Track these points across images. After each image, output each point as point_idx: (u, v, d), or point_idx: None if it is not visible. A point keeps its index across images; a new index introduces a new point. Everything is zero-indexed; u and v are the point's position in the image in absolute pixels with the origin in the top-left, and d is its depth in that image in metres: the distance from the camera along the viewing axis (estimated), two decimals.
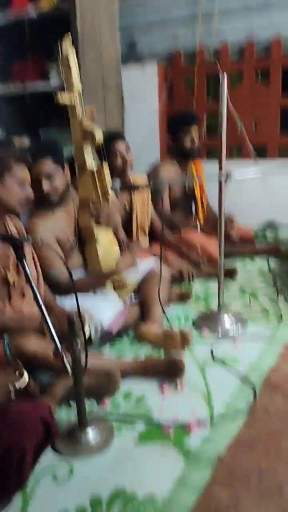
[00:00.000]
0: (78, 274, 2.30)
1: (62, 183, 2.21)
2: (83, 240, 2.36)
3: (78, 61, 3.08)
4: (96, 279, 2.31)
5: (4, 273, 1.82)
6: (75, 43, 3.11)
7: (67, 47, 2.14)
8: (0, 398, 1.32)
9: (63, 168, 2.22)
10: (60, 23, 3.19)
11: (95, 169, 2.24)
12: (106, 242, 2.39)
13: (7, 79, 3.68)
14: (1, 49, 3.63)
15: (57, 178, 2.18)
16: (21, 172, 1.78)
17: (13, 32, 3.40)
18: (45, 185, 2.15)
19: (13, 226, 1.93)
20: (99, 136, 2.19)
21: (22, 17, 3.28)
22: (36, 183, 2.09)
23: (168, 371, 1.88)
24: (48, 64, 3.51)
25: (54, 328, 1.46)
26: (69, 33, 2.20)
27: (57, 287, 2.16)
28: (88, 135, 2.19)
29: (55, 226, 2.22)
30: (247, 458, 1.47)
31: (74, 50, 2.18)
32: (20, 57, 3.54)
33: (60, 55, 2.15)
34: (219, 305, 2.35)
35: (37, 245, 1.48)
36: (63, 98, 2.14)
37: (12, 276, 1.86)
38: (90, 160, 2.27)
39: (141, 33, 4.09)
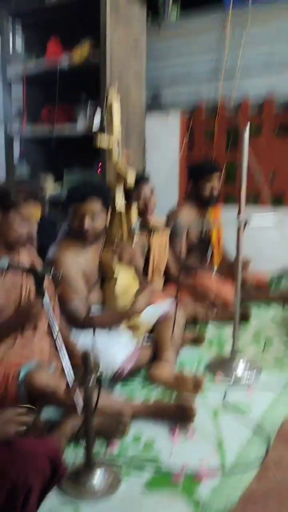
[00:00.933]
0: (95, 310, 2.31)
1: (102, 225, 2.29)
2: (103, 277, 2.40)
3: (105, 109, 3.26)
4: (113, 317, 2.30)
5: (17, 304, 1.84)
6: (102, 91, 3.29)
7: (112, 95, 2.31)
8: (7, 436, 1.31)
9: (107, 211, 2.31)
10: (90, 73, 3.37)
11: (123, 210, 2.35)
12: (125, 281, 2.42)
13: (37, 122, 3.85)
14: (33, 94, 3.83)
15: (99, 219, 2.26)
16: (29, 209, 1.83)
17: (46, 79, 3.59)
18: (87, 223, 2.23)
19: (26, 255, 1.97)
20: (130, 179, 2.32)
21: (54, 67, 3.46)
22: (78, 219, 2.21)
23: (178, 416, 1.84)
24: (76, 110, 3.68)
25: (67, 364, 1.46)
26: (116, 85, 2.42)
27: (73, 322, 2.18)
28: (121, 178, 2.30)
29: (83, 261, 2.29)
30: None
31: (119, 100, 2.32)
32: (50, 102, 3.72)
33: (105, 102, 2.33)
34: (232, 351, 2.32)
35: (58, 278, 1.50)
36: (102, 141, 2.25)
37: None
38: (120, 201, 2.39)
39: (165, 85, 4.28)
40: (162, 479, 1.55)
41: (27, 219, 1.83)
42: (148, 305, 2.38)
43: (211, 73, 4.05)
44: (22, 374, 1.67)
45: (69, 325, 2.19)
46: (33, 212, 1.86)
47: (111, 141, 2.33)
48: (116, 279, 2.37)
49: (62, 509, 1.41)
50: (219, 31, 3.95)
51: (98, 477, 1.51)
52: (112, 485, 1.50)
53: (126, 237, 2.41)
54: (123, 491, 1.49)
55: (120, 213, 2.40)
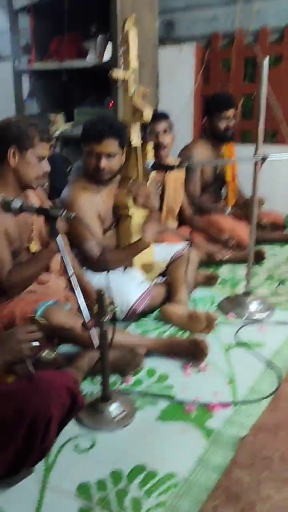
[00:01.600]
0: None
1: (118, 165, 2.24)
2: (118, 217, 2.37)
3: (116, 39, 3.09)
4: (125, 253, 2.30)
5: (27, 244, 1.85)
6: (114, 22, 3.10)
7: (130, 25, 2.18)
8: (21, 354, 1.34)
9: (122, 152, 2.24)
10: (100, 2, 3.16)
11: (139, 146, 2.27)
12: (140, 220, 2.38)
13: (46, 56, 3.68)
14: (41, 26, 3.63)
15: (115, 160, 2.20)
16: (43, 150, 1.80)
17: (52, 9, 3.39)
18: (103, 163, 2.18)
19: (36, 197, 1.96)
20: (147, 114, 2.22)
21: None
22: (95, 158, 2.16)
23: (191, 351, 1.87)
24: (86, 42, 3.49)
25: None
26: (133, 15, 2.25)
27: (88, 262, 2.19)
28: (137, 112, 2.22)
29: (98, 202, 2.25)
30: (270, 442, 1.46)
31: (136, 30, 2.19)
32: (59, 34, 3.53)
33: (122, 31, 2.20)
34: (246, 289, 2.33)
35: (71, 218, 1.49)
36: (118, 73, 2.17)
37: (35, 247, 1.89)
38: (136, 137, 2.30)
39: (179, 14, 4.02)
40: (176, 410, 1.61)
41: (41, 159, 1.80)
42: (156, 235, 2.33)
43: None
44: (39, 313, 1.71)
45: (84, 265, 2.21)
46: (47, 151, 1.82)
47: (128, 73, 2.22)
48: (131, 217, 2.33)
49: (80, 438, 1.48)
50: None
51: (114, 408, 1.57)
52: (128, 416, 1.57)
53: (141, 175, 2.34)
54: (138, 421, 1.56)
55: (136, 149, 2.31)
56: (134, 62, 2.23)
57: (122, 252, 2.31)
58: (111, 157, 2.18)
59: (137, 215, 2.36)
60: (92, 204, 2.21)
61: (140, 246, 2.27)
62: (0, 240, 1.74)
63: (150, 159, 2.33)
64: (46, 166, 1.83)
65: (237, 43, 3.74)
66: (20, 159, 1.75)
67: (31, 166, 1.77)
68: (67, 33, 3.36)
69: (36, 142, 1.76)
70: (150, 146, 2.36)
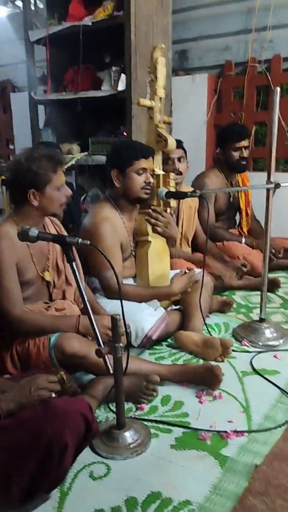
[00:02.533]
0: (128, 282, 2.35)
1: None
2: (137, 243, 2.40)
3: (130, 68, 3.18)
4: (148, 293, 2.28)
5: (42, 273, 1.89)
6: (127, 52, 3.20)
7: (158, 54, 2.24)
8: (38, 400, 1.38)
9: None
10: (114, 33, 3.27)
11: (161, 174, 2.31)
12: (158, 248, 2.40)
13: (60, 87, 3.80)
14: (57, 57, 3.76)
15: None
16: (59, 179, 1.83)
17: (67, 41, 3.51)
18: (151, 178, 2.25)
19: (52, 226, 2.00)
20: (171, 143, 2.27)
21: (78, 27, 3.36)
22: (143, 174, 2.22)
23: (205, 378, 1.86)
24: (100, 72, 3.60)
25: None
26: (163, 45, 2.33)
27: (108, 291, 2.22)
28: (161, 141, 2.27)
29: (120, 230, 2.28)
30: (285, 470, 1.44)
31: (164, 59, 2.26)
32: (73, 65, 3.66)
33: (151, 61, 2.26)
34: (260, 317, 2.33)
35: (92, 246, 1.52)
36: (144, 101, 2.24)
37: (50, 276, 1.92)
38: (159, 164, 2.35)
39: (192, 44, 4.14)
40: (191, 437, 1.60)
41: (61, 187, 1.85)
42: (186, 288, 2.32)
43: (240, 26, 3.88)
44: (53, 339, 1.73)
45: (103, 293, 2.23)
46: (63, 177, 1.87)
47: (154, 101, 2.28)
48: (150, 242, 2.35)
49: (95, 466, 1.48)
50: None
51: (128, 435, 1.57)
52: (142, 443, 1.56)
53: (162, 203, 2.37)
54: (153, 449, 1.55)
55: (159, 177, 2.34)
56: (161, 90, 2.29)
57: (145, 291, 2.29)
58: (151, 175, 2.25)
59: (155, 242, 2.38)
60: (115, 233, 2.23)
61: (166, 293, 2.29)
62: (10, 273, 1.76)
63: (172, 188, 2.36)
64: (67, 191, 1.87)
65: (250, 71, 3.82)
66: (41, 197, 1.80)
67: (53, 198, 1.82)
68: (82, 64, 3.47)
69: (51, 176, 1.80)
70: (172, 175, 2.39)
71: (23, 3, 3.80)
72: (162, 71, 2.27)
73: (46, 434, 1.21)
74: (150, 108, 2.31)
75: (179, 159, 2.75)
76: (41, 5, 4.61)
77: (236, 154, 3.08)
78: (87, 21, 3.36)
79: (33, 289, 1.89)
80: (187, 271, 2.34)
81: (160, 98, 2.31)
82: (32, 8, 4.03)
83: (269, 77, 3.73)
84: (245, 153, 3.10)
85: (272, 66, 3.75)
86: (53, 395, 1.41)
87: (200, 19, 4.04)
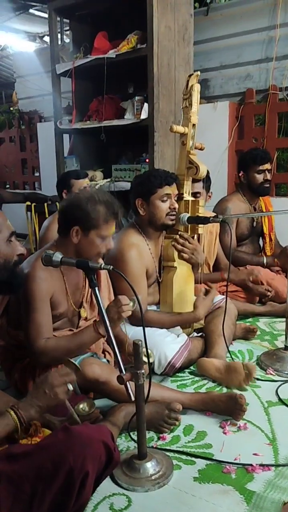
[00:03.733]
0: (152, 308, 2.34)
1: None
2: (162, 268, 2.39)
3: (152, 98, 3.24)
4: (172, 320, 2.25)
5: (78, 309, 1.89)
6: (150, 82, 3.27)
7: (194, 81, 2.27)
8: (58, 400, 1.33)
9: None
10: (137, 64, 3.36)
11: (190, 199, 2.32)
12: (184, 274, 2.39)
13: (85, 116, 3.90)
14: (82, 88, 3.87)
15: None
16: (107, 230, 1.81)
17: (92, 72, 3.62)
18: (176, 204, 2.26)
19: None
20: (203, 170, 2.28)
21: (102, 60, 3.46)
22: (168, 200, 2.23)
23: (228, 407, 1.80)
24: (123, 102, 3.69)
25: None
26: (198, 72, 2.39)
27: (130, 317, 2.20)
28: (193, 167, 2.28)
29: (146, 256, 2.28)
30: None
31: (199, 86, 2.31)
32: (98, 95, 3.75)
33: (185, 89, 2.29)
34: (286, 344, 2.27)
35: (117, 272, 1.52)
36: (178, 128, 2.27)
37: (85, 312, 1.92)
38: (188, 190, 2.36)
39: (213, 73, 4.21)
40: (215, 470, 1.54)
41: (106, 237, 1.81)
42: (209, 310, 2.29)
43: (261, 55, 3.94)
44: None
45: (128, 319, 2.22)
46: (112, 230, 1.84)
47: (189, 126, 2.30)
48: (176, 268, 2.34)
49: (116, 497, 1.44)
50: (270, 12, 3.83)
51: (150, 466, 1.52)
52: (165, 475, 1.51)
53: (190, 229, 2.37)
54: (175, 481, 1.50)
55: (188, 203, 2.34)
56: (195, 117, 2.31)
57: (170, 317, 2.26)
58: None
59: (181, 269, 2.37)
60: (141, 259, 2.22)
61: (190, 318, 2.27)
62: (43, 306, 1.76)
63: (202, 211, 2.36)
64: (109, 244, 1.83)
65: (271, 99, 3.85)
66: (83, 237, 1.79)
67: (93, 245, 1.80)
68: (106, 95, 3.57)
69: (101, 223, 1.77)
70: (202, 201, 2.39)
71: (51, 38, 3.95)
72: (196, 98, 2.30)
73: (67, 462, 1.18)
74: (183, 135, 2.33)
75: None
76: (67, 40, 4.80)
77: (259, 177, 3.08)
78: (111, 53, 3.46)
79: (63, 321, 1.89)
80: (207, 288, 2.31)
81: (194, 124, 2.33)
82: (59, 42, 4.18)
83: None
84: (268, 176, 3.10)
85: None
86: (71, 387, 1.35)
87: (221, 49, 4.12)
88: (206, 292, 2.31)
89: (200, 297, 2.29)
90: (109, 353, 2.01)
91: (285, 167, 3.96)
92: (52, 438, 1.24)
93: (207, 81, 4.27)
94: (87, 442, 1.21)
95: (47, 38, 6.90)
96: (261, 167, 3.07)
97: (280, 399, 1.95)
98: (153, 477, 1.50)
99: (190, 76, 2.30)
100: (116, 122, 3.58)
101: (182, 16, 3.52)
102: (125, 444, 1.69)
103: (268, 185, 3.13)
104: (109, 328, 1.50)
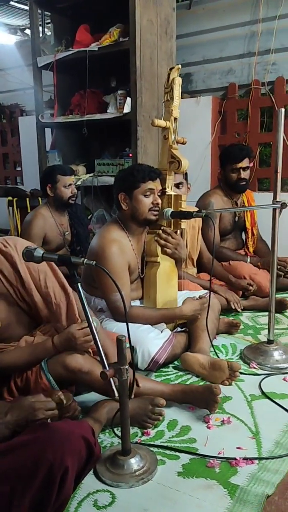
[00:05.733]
0: (135, 304, 2.32)
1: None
2: (146, 263, 2.38)
3: (135, 92, 3.22)
4: (158, 315, 2.25)
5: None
6: (133, 76, 3.24)
7: (174, 75, 2.25)
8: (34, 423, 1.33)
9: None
10: (119, 58, 3.33)
11: (173, 194, 2.31)
12: (167, 269, 2.38)
13: (67, 110, 3.85)
14: (64, 81, 3.82)
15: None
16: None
17: (74, 66, 3.58)
18: (159, 199, 2.23)
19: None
20: (185, 164, 2.26)
21: (84, 53, 3.42)
22: (151, 196, 2.21)
23: (204, 398, 1.79)
24: (106, 96, 3.66)
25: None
26: (179, 65, 2.37)
27: (113, 314, 2.19)
28: (175, 161, 2.27)
29: (128, 252, 2.26)
30: None
31: (181, 80, 2.29)
32: (80, 89, 3.72)
33: (166, 82, 2.27)
34: (269, 338, 2.28)
35: (99, 268, 1.50)
36: (159, 121, 2.25)
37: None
38: (171, 184, 2.34)
39: (196, 67, 4.20)
40: (199, 465, 1.54)
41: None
42: (196, 312, 2.26)
43: (244, 50, 3.94)
44: (43, 362, 1.68)
45: (112, 316, 2.21)
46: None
47: (170, 120, 2.28)
48: (159, 263, 2.33)
49: (100, 494, 1.42)
50: (252, 6, 3.83)
51: (134, 462, 1.51)
52: (149, 470, 1.51)
53: (173, 224, 2.35)
54: (159, 477, 1.49)
55: (170, 197, 2.33)
56: (176, 111, 2.29)
57: (155, 313, 2.25)
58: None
59: (164, 264, 2.36)
60: (122, 255, 2.20)
61: (175, 314, 2.26)
62: None
63: (184, 208, 2.34)
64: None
65: (254, 93, 3.86)
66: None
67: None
68: (88, 88, 3.53)
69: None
70: (184, 196, 2.37)
71: (31, 31, 3.89)
72: (178, 91, 2.28)
73: (47, 458, 1.16)
74: (165, 129, 2.31)
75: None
76: (48, 33, 4.73)
77: (234, 175, 3.07)
78: (93, 47, 3.43)
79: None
80: (198, 298, 2.30)
81: (175, 118, 2.31)
82: (40, 35, 4.12)
83: (273, 99, 3.77)
84: (243, 174, 3.06)
85: (275, 88, 3.78)
86: (49, 420, 1.36)
87: (204, 43, 4.11)
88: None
89: (191, 297, 2.29)
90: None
91: (267, 162, 3.98)
92: (31, 435, 1.22)
93: (190, 75, 4.26)
94: (66, 437, 1.20)
95: (28, 31, 6.79)
96: (235, 166, 3.05)
97: (263, 393, 1.97)
98: (137, 473, 1.49)
99: (171, 69, 2.28)
100: (98, 116, 3.56)
101: (165, 9, 3.50)
102: (109, 440, 1.68)
103: (244, 183, 3.09)
104: (91, 321, 1.48)
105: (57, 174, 3.00)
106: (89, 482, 1.45)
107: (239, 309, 2.82)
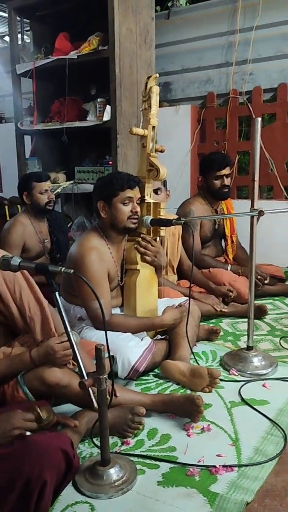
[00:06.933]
0: (115, 312, 2.31)
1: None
2: (125, 271, 2.37)
3: (115, 100, 3.23)
4: (138, 323, 2.24)
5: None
6: (112, 84, 3.26)
7: (152, 83, 2.26)
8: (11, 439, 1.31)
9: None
10: (99, 66, 3.34)
11: (152, 202, 2.31)
12: (147, 277, 2.37)
13: (47, 118, 3.84)
14: (43, 89, 3.81)
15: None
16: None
17: (53, 73, 3.57)
18: (138, 207, 2.23)
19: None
20: (163, 172, 2.27)
21: (64, 61, 3.43)
22: (130, 204, 2.20)
23: (186, 408, 1.78)
24: (86, 103, 3.66)
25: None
26: (157, 74, 2.39)
27: (93, 322, 2.17)
28: (153, 169, 2.29)
29: (108, 260, 2.24)
30: (277, 508, 1.39)
31: (158, 88, 2.30)
32: (59, 97, 3.71)
33: (144, 91, 2.28)
34: (248, 345, 2.30)
35: (77, 276, 1.49)
36: (137, 130, 2.25)
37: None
38: (150, 192, 2.35)
39: (175, 76, 4.24)
40: (178, 473, 1.53)
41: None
42: (177, 321, 2.26)
43: (222, 60, 3.99)
44: (19, 376, 1.65)
45: (92, 324, 2.19)
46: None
47: (148, 128, 2.29)
48: (139, 271, 2.33)
49: (79, 506, 1.40)
50: (230, 17, 3.89)
51: (113, 472, 1.50)
52: (128, 480, 1.49)
53: (152, 232, 2.35)
54: (139, 486, 1.48)
55: (149, 205, 2.33)
56: (154, 119, 2.30)
57: (135, 321, 2.24)
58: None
59: (143, 271, 2.35)
60: (101, 262, 2.18)
61: (155, 323, 2.25)
62: None
63: (164, 213, 2.35)
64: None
65: (232, 102, 3.91)
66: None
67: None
68: (68, 96, 3.53)
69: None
70: (163, 204, 2.38)
71: (10, 38, 3.88)
72: (155, 100, 2.29)
73: (24, 472, 1.15)
74: (143, 137, 2.32)
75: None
76: (28, 40, 4.72)
77: (217, 182, 3.11)
78: (73, 54, 3.43)
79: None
80: (178, 307, 2.31)
81: (153, 127, 2.32)
82: (19, 42, 4.11)
83: (251, 108, 3.82)
84: (226, 181, 3.12)
85: (253, 97, 3.84)
86: (28, 433, 1.34)
87: (183, 52, 4.16)
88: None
89: (171, 306, 2.30)
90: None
91: (246, 170, 4.03)
92: (8, 448, 1.20)
93: (169, 84, 4.29)
94: (44, 450, 1.19)
95: (7, 38, 6.77)
96: (218, 173, 3.08)
97: (242, 399, 1.97)
98: (116, 483, 1.48)
99: (148, 78, 2.29)
100: (78, 124, 3.56)
101: (144, 19, 3.53)
102: (89, 451, 1.66)
103: (226, 190, 3.14)
104: (70, 332, 1.47)
105: (33, 181, 2.99)
106: (68, 493, 1.43)
107: (223, 310, 2.85)
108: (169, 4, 4.32)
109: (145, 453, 1.64)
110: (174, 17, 4.17)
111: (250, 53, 3.79)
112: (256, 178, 2.13)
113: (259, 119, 2.10)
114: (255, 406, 1.91)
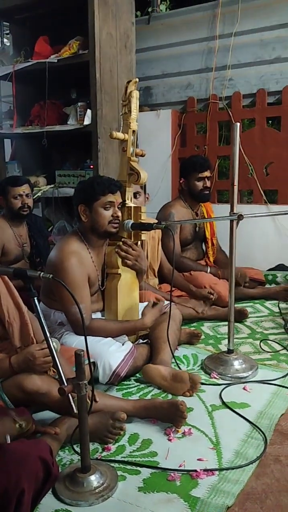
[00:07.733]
0: (96, 316, 2.30)
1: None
2: (106, 275, 2.36)
3: (95, 104, 3.23)
4: (119, 327, 2.23)
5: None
6: (93, 88, 3.25)
7: (132, 88, 2.26)
8: None
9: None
10: (79, 70, 3.33)
11: (133, 206, 2.31)
12: (128, 281, 2.37)
13: (27, 121, 3.81)
14: (23, 92, 3.78)
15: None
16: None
17: (34, 77, 3.55)
18: (119, 212, 2.22)
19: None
20: (143, 176, 2.27)
21: (44, 64, 3.41)
22: (111, 208, 2.19)
23: (170, 414, 1.78)
24: (66, 107, 3.65)
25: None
26: (137, 78, 2.39)
27: (73, 327, 2.15)
28: (134, 173, 2.28)
29: (88, 264, 2.23)
30: (257, 510, 1.39)
31: (138, 93, 2.30)
32: (40, 100, 3.69)
33: (124, 95, 2.28)
34: (228, 348, 2.31)
35: (57, 281, 1.47)
36: (118, 134, 2.25)
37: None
38: (130, 196, 2.35)
39: (156, 81, 4.26)
40: (159, 479, 1.53)
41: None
42: (156, 320, 2.26)
43: (202, 65, 4.03)
44: None
45: (72, 329, 2.17)
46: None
47: (128, 134, 2.29)
48: (120, 275, 2.32)
49: None
50: (209, 23, 3.93)
51: (94, 479, 1.48)
52: (109, 487, 1.48)
53: (133, 236, 2.35)
54: (120, 493, 1.47)
55: (130, 209, 2.33)
56: (134, 123, 2.30)
57: (116, 325, 2.23)
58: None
59: (125, 276, 2.35)
60: (82, 267, 2.17)
61: (136, 326, 2.24)
62: None
63: (145, 217, 2.35)
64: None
65: (212, 108, 3.95)
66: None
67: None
68: (48, 100, 3.51)
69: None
70: (144, 208, 2.38)
71: None
72: (135, 104, 2.29)
73: (1, 482, 1.13)
74: (124, 141, 2.32)
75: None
76: (7, 43, 4.69)
77: (199, 184, 3.14)
78: (53, 58, 3.42)
79: None
80: (155, 301, 2.31)
81: (134, 131, 2.32)
82: None
83: (230, 113, 3.86)
84: (208, 183, 3.16)
85: (232, 103, 3.88)
86: (8, 440, 1.32)
87: (163, 57, 4.18)
88: (154, 304, 2.31)
89: (148, 306, 2.28)
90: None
91: (226, 175, 4.06)
92: None
93: (149, 89, 4.31)
94: (22, 458, 1.17)
95: None
96: (200, 175, 3.12)
97: (223, 403, 1.98)
98: (97, 490, 1.46)
99: (128, 82, 2.30)
100: (58, 128, 3.54)
101: (124, 23, 3.54)
102: (69, 458, 1.64)
103: (207, 192, 3.18)
104: (49, 339, 1.46)
105: (8, 186, 2.96)
106: (48, 502, 1.41)
107: (204, 312, 2.89)
108: (150, 9, 4.35)
109: (126, 459, 1.63)
110: (154, 22, 4.20)
111: (230, 59, 3.83)
112: (235, 182, 2.15)
113: (238, 124, 2.13)
114: (235, 409, 1.92)
